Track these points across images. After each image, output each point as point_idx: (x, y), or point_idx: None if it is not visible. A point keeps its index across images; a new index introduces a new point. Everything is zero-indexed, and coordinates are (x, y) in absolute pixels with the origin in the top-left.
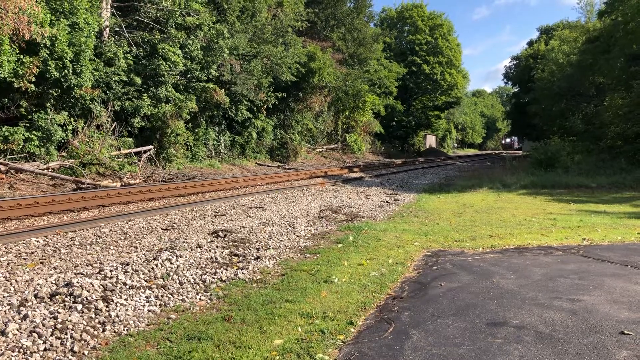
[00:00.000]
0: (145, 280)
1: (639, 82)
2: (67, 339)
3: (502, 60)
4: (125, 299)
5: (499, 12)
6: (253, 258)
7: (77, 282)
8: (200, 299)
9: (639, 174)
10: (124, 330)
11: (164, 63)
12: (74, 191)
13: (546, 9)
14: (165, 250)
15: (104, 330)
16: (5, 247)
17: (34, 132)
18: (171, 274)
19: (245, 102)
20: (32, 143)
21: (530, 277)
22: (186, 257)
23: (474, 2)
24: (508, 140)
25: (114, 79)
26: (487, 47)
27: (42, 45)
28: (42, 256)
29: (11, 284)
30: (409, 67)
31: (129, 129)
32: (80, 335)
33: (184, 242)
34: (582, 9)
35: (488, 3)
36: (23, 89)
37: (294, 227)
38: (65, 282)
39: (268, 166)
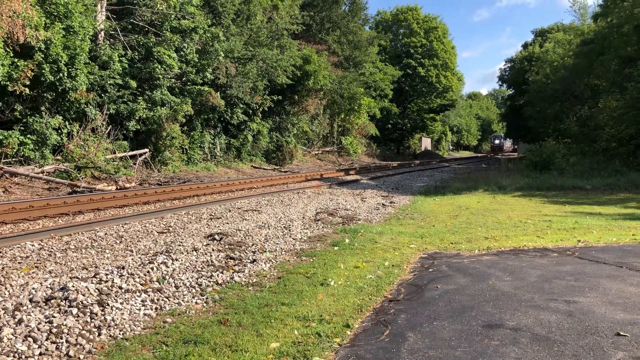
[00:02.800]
0: (141, 284)
1: (633, 85)
2: (62, 343)
3: (500, 62)
4: (121, 303)
5: (500, 14)
6: (249, 261)
7: (73, 286)
8: (196, 303)
9: (633, 176)
10: (119, 334)
11: (159, 66)
12: (69, 195)
13: (546, 11)
14: (161, 253)
15: (99, 335)
16: (0, 252)
17: (28, 135)
18: (167, 277)
19: (241, 105)
20: (27, 147)
21: (526, 279)
22: (182, 260)
23: (475, 4)
24: (497, 141)
25: (109, 82)
26: (486, 49)
27: (36, 48)
28: (37, 260)
29: (6, 289)
30: (404, 70)
31: (124, 132)
32: (76, 340)
33: (179, 245)
34: (576, 12)
35: (489, 5)
36: (17, 92)
37: (290, 230)
38: (61, 286)
39: (264, 169)
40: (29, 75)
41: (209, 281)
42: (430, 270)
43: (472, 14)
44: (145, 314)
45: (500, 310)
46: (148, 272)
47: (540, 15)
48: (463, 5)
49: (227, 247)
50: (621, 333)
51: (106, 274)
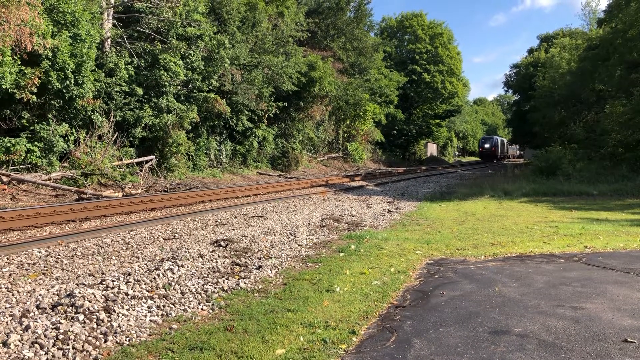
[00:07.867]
0: (147, 290)
1: (639, 90)
2: (69, 349)
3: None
4: (127, 309)
5: (515, 19)
6: (255, 267)
7: (79, 293)
8: (202, 309)
9: None
10: (125, 340)
11: (165, 73)
12: (76, 201)
13: (561, 16)
14: (167, 260)
15: (105, 341)
16: (8, 258)
17: (35, 143)
18: (173, 283)
19: (247, 112)
20: (34, 154)
21: (532, 285)
22: (188, 266)
23: (492, 9)
24: (487, 145)
25: (115, 89)
26: (500, 54)
27: (44, 56)
28: (44, 267)
29: (13, 295)
30: (410, 76)
31: (131, 139)
32: (82, 346)
33: (185, 251)
34: (586, 16)
35: (505, 10)
36: (25, 100)
37: (295, 236)
38: (67, 293)
39: (269, 175)
40: (36, 82)
41: (215, 287)
42: (436, 276)
43: (489, 19)
44: (151, 320)
45: (506, 316)
46: (154, 278)
47: (555, 20)
48: (480, 10)
49: (232, 253)
50: (629, 339)
51: (112, 281)
